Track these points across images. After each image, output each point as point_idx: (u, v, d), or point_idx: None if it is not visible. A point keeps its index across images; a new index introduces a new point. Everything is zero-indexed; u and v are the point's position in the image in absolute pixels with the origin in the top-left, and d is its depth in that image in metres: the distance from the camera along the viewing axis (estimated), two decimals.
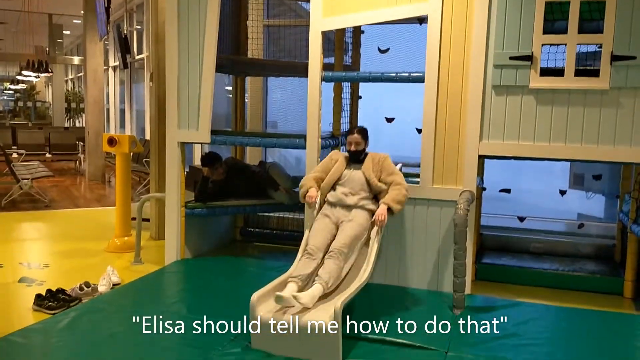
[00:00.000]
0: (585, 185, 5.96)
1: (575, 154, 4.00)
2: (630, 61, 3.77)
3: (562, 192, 5.42)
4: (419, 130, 4.35)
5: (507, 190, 5.27)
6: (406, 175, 4.42)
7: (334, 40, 5.22)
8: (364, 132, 4.05)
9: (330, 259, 3.52)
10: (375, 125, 5.84)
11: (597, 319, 3.86)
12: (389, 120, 5.52)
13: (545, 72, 4.01)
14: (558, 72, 3.97)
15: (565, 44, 3.95)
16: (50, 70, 15.23)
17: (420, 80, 4.27)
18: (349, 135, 4.03)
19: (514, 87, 4.04)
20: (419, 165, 4.34)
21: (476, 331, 3.54)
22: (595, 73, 3.88)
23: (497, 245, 5.23)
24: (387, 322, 3.60)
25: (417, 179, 4.35)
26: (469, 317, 3.76)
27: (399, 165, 4.29)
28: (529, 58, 3.95)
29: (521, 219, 5.38)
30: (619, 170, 4.90)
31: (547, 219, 5.90)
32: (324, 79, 4.54)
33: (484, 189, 5.01)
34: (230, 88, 6.14)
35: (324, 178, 3.99)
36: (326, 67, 4.63)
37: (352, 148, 4.00)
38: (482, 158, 4.34)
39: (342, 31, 5.15)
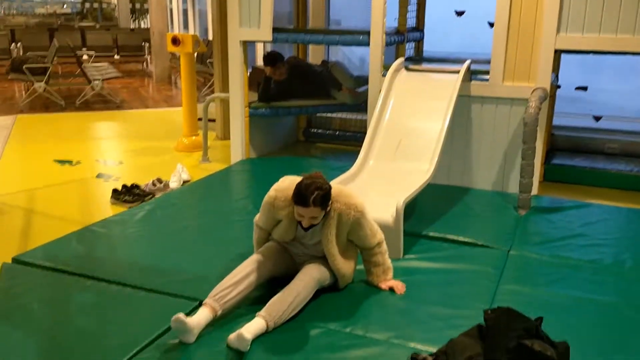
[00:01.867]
0: None
1: None
2: None
3: None
4: (491, 24, 4.10)
5: (584, 88, 4.98)
6: (475, 73, 4.24)
7: None
8: (324, 200, 2.47)
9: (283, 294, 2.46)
10: (444, 20, 5.56)
11: None
12: (459, 13, 5.22)
13: None
14: None
15: None
16: None
17: None
18: (299, 205, 2.46)
19: None
20: (489, 62, 4.14)
21: (541, 231, 3.51)
22: None
23: (569, 146, 5.02)
24: (449, 221, 3.63)
25: (487, 77, 4.16)
26: (534, 217, 3.72)
27: (466, 63, 4.10)
28: None
29: (597, 118, 5.12)
30: None
31: (625, 118, 5.58)
32: None
33: (559, 86, 4.75)
34: None
35: (266, 237, 2.79)
36: None
37: (306, 224, 2.53)
38: (558, 53, 4.07)
39: None
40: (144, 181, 4.41)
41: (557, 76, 4.56)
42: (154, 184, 4.35)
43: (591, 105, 5.76)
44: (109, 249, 3.21)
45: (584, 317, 2.53)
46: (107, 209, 4.06)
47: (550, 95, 4.30)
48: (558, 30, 3.86)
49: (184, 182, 4.59)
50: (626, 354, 2.27)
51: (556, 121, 4.98)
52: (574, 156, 4.81)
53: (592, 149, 4.94)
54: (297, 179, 2.56)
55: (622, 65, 6.61)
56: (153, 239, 3.34)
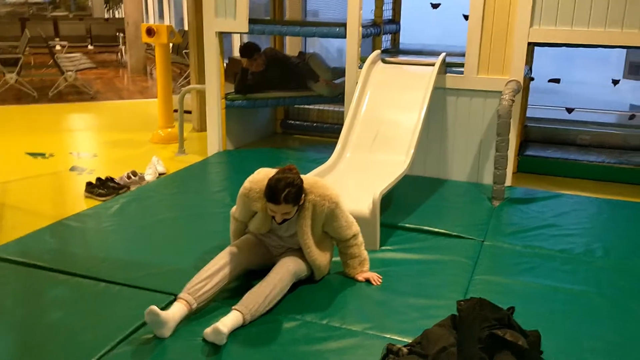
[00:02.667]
0: None
1: (631, 40, 3.76)
2: None
3: (615, 82, 5.15)
4: (466, 17, 4.13)
5: (557, 80, 5.04)
6: (450, 65, 4.28)
7: None
8: (296, 196, 2.47)
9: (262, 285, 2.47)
10: (420, 12, 5.58)
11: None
12: (435, 6, 5.24)
13: None
14: None
15: None
16: None
17: None
18: (270, 202, 2.44)
19: None
20: (464, 54, 4.17)
21: (514, 221, 3.57)
22: None
23: (542, 137, 5.10)
24: (425, 212, 3.66)
25: (461, 69, 4.20)
26: (507, 208, 3.78)
27: (441, 56, 4.13)
28: None
29: (569, 110, 5.20)
30: None
31: (597, 110, 5.69)
32: None
33: (532, 79, 4.81)
34: None
35: (243, 229, 2.80)
36: None
37: (278, 219, 2.51)
38: (531, 45, 4.12)
39: None
40: (119, 174, 4.36)
41: (530, 69, 4.62)
42: (128, 177, 4.30)
43: (564, 97, 5.86)
44: (83, 243, 3.17)
45: (555, 305, 2.58)
46: (80, 203, 4.01)
47: (524, 88, 4.35)
48: (531, 24, 3.91)
49: (160, 174, 4.55)
50: (596, 341, 2.32)
51: (530, 113, 5.05)
52: (547, 147, 4.88)
53: (564, 141, 5.02)
54: (272, 171, 2.56)
55: (594, 57, 6.73)
56: (128, 233, 3.31)
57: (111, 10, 18.60)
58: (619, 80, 5.16)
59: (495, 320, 1.88)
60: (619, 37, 3.77)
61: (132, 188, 4.18)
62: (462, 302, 2.01)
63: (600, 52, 4.84)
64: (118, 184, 4.19)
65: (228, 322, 2.28)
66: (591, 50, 4.14)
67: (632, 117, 5.22)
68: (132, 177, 4.31)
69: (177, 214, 3.65)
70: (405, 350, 2.04)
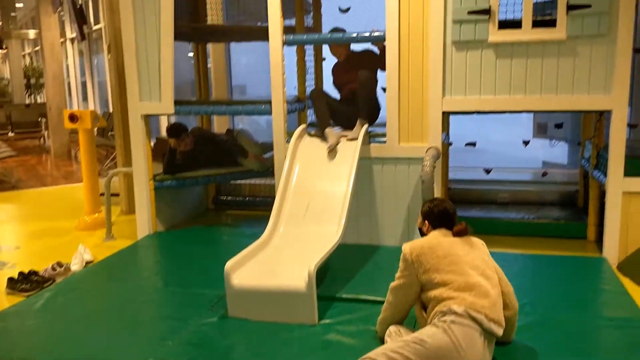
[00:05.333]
0: (548, 133, 6.09)
1: (535, 105, 4.07)
2: (586, 10, 3.81)
3: (526, 143, 5.52)
4: (384, 89, 4.36)
5: (473, 144, 5.36)
6: (374, 136, 4.46)
7: (294, 1, 5.13)
8: None
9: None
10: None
11: (562, 264, 4.00)
12: None
13: (504, 24, 4.03)
14: (516, 24, 4.00)
15: None
16: (4, 46, 14.68)
17: (382, 39, 4.25)
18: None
19: (474, 42, 4.06)
20: (385, 125, 4.37)
21: None
22: (552, 23, 3.92)
23: (465, 198, 5.34)
24: (361, 281, 3.70)
25: (384, 139, 4.38)
26: None
27: (364, 128, 4.30)
28: (487, 11, 3.95)
29: (487, 171, 5.49)
30: (580, 117, 5.00)
31: (512, 169, 6.04)
32: (286, 43, 4.48)
33: (450, 144, 5.08)
34: (193, 54, 6.02)
35: None
36: (287, 29, 4.57)
37: None
38: (446, 114, 4.38)
39: None
40: (44, 266, 4.16)
41: (447, 134, 4.88)
42: (53, 269, 4.11)
43: (482, 156, 6.19)
44: (6, 345, 2.97)
45: None
46: (2, 301, 3.77)
47: (443, 153, 4.58)
48: (443, 94, 4.17)
49: (87, 263, 4.37)
50: None
51: (452, 174, 5.29)
52: (470, 208, 5.11)
53: (486, 200, 5.28)
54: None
55: (507, 119, 7.21)
56: (54, 329, 3.14)
57: (32, 95, 18.26)
58: (529, 141, 5.54)
59: None
60: (523, 102, 4.08)
61: (58, 280, 4.00)
62: None
63: (512, 115, 5.18)
64: (42, 277, 4.00)
65: None
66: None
67: (544, 174, 5.57)
68: (58, 268, 4.12)
69: (106, 304, 3.51)
70: None
